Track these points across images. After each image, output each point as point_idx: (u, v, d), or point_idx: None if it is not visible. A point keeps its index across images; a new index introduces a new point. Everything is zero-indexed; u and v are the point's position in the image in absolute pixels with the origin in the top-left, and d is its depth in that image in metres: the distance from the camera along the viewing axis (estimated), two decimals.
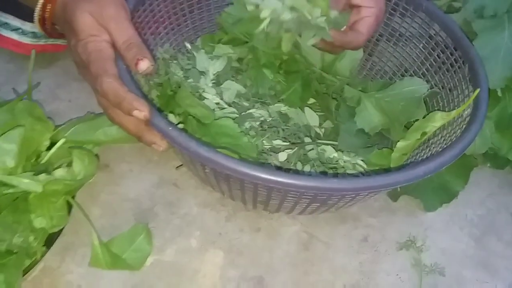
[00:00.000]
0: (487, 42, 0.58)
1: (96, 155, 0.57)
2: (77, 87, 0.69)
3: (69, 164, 0.53)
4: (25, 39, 0.67)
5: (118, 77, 0.46)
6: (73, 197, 0.55)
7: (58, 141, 0.55)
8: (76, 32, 0.48)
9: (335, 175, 0.51)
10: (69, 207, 0.55)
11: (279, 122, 0.59)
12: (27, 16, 0.64)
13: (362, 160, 0.57)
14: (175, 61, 0.62)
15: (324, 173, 0.53)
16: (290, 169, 0.54)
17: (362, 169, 0.57)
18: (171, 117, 0.50)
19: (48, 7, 0.51)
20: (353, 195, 0.48)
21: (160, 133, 0.45)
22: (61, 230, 0.54)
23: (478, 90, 0.52)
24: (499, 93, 0.61)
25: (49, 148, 0.55)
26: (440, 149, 0.53)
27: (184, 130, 0.51)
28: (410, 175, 0.44)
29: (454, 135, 0.52)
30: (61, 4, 0.50)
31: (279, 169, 0.52)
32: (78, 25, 0.47)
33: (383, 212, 0.62)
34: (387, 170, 0.54)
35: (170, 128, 0.44)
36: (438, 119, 0.55)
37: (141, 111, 0.44)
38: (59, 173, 0.52)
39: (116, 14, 0.48)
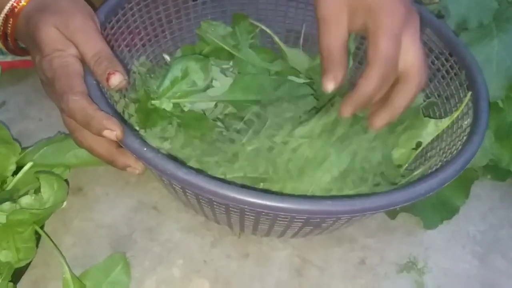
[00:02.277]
0: (477, 53, 0.55)
1: (66, 180, 0.53)
2: (48, 104, 0.64)
3: (37, 191, 0.48)
4: None
5: (87, 94, 0.42)
6: (42, 226, 0.51)
7: (25, 165, 0.51)
8: (40, 47, 0.44)
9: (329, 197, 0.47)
10: (38, 237, 0.50)
11: None
12: None
13: None
14: (152, 75, 0.57)
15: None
16: None
17: None
18: (149, 134, 0.46)
19: (10, 22, 0.47)
20: (349, 217, 0.44)
21: (133, 154, 0.40)
22: (29, 263, 0.49)
23: (470, 93, 0.49)
24: (500, 104, 0.58)
25: (15, 173, 0.51)
26: (440, 163, 0.49)
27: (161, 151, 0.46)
28: (410, 194, 0.40)
29: (454, 147, 0.48)
30: (24, 19, 0.46)
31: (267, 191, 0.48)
32: (42, 40, 0.43)
33: (381, 231, 0.58)
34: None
35: (145, 149, 0.40)
36: (432, 127, 0.52)
37: (112, 131, 0.40)
38: (26, 200, 0.47)
39: (83, 25, 0.44)
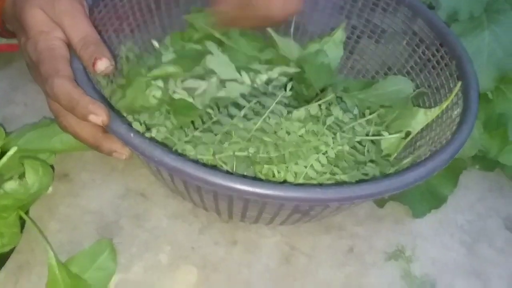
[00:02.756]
0: (468, 44, 0.55)
1: (52, 166, 0.52)
2: (34, 89, 0.63)
3: (21, 176, 0.47)
4: None
5: (73, 78, 0.41)
6: (27, 212, 0.50)
7: (9, 150, 0.50)
8: (25, 29, 0.43)
9: (318, 185, 0.47)
10: (23, 222, 0.49)
11: None
12: None
13: None
14: (140, 61, 0.56)
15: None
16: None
17: None
18: (136, 124, 0.45)
19: None
20: (338, 205, 0.44)
21: (120, 139, 0.40)
22: (13, 249, 0.48)
23: (459, 83, 0.49)
24: (490, 96, 0.58)
25: None
26: (429, 152, 0.49)
27: (148, 136, 0.46)
28: (400, 182, 0.40)
29: (444, 137, 0.48)
30: (11, 0, 0.45)
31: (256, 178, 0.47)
32: (27, 21, 0.42)
33: (369, 219, 0.58)
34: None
35: (132, 135, 0.39)
36: (421, 116, 0.51)
37: (98, 116, 0.39)
38: (10, 186, 0.46)
39: (71, 8, 0.43)
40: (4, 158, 0.49)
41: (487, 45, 0.57)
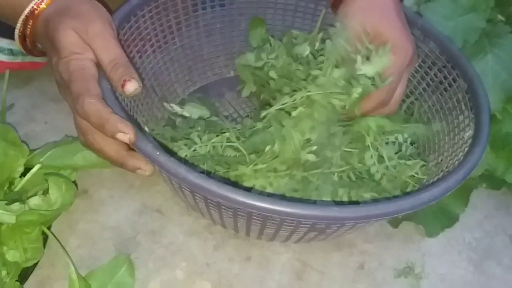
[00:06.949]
0: None
1: (74, 182, 0.53)
2: (54, 108, 0.65)
3: (45, 192, 0.49)
4: (1, 57, 0.63)
5: (102, 97, 0.43)
6: (49, 227, 0.51)
7: (33, 166, 0.51)
8: (58, 49, 0.45)
9: (335, 204, 0.48)
10: (45, 237, 0.51)
11: None
12: (3, 32, 0.60)
13: None
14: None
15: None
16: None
17: None
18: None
19: (29, 24, 0.48)
20: (353, 223, 0.45)
21: (146, 157, 0.41)
22: (36, 263, 0.50)
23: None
24: (499, 116, 0.59)
25: (23, 175, 0.51)
26: (441, 172, 0.50)
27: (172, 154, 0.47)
28: (414, 202, 0.41)
29: (456, 158, 0.49)
30: (43, 21, 0.47)
31: (273, 195, 0.49)
32: (60, 42, 0.44)
33: (379, 237, 0.59)
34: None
35: (158, 153, 0.40)
36: None
37: (126, 134, 0.41)
38: (34, 202, 0.48)
39: (102, 31, 0.45)
40: (28, 175, 0.51)
41: (491, 68, 0.59)
